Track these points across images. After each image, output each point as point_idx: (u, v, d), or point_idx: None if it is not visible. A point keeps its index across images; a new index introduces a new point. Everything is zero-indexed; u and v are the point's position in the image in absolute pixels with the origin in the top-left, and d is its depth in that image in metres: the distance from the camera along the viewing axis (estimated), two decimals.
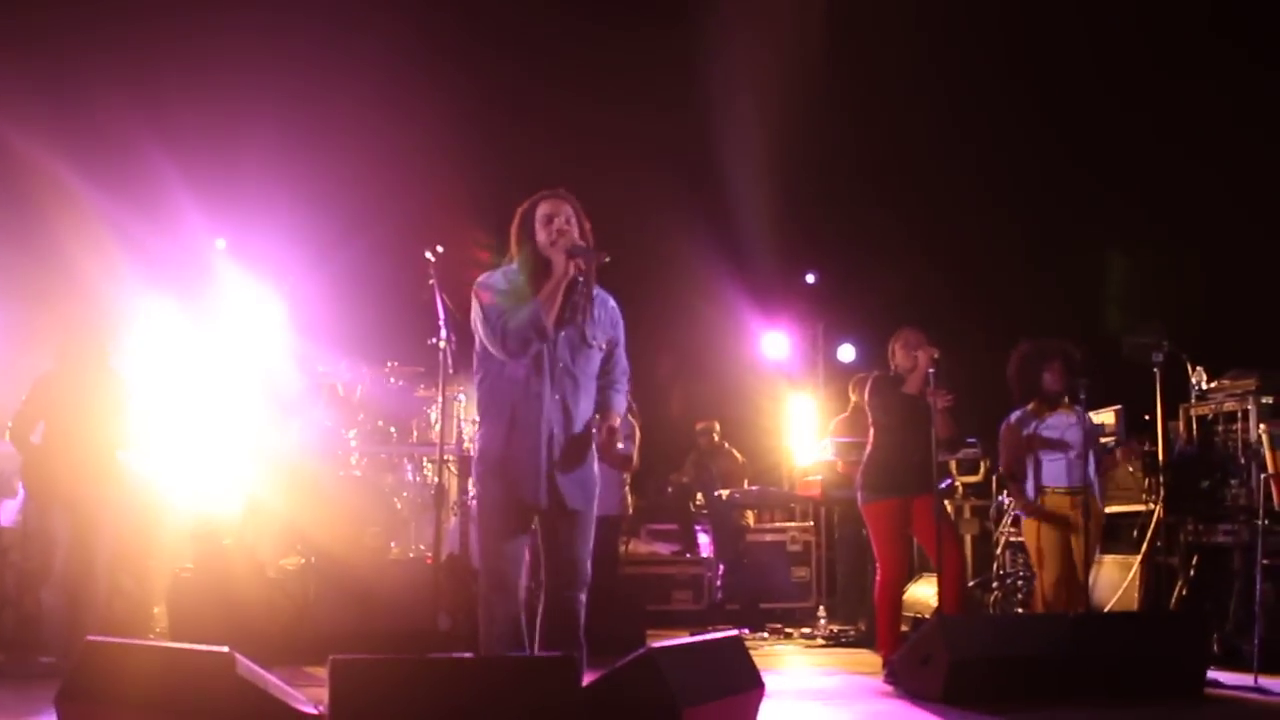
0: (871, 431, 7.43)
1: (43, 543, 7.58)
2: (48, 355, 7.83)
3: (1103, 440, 8.46)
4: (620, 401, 5.29)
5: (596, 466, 5.19)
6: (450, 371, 7.15)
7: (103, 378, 7.70)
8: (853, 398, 10.08)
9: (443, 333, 7.07)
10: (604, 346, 5.17)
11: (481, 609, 5.01)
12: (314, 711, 4.53)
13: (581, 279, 5.01)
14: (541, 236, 5.02)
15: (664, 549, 11.87)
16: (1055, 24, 11.13)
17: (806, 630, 9.75)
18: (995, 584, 9.03)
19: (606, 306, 5.20)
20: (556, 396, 5.00)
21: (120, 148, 9.81)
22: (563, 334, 5.02)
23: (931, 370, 7.00)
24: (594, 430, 5.12)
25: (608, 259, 4.99)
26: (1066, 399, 7.35)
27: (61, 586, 7.47)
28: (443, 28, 11.10)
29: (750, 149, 11.85)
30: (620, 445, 5.23)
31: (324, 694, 4.20)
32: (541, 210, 5.06)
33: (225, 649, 4.33)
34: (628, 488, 9.06)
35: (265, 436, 9.30)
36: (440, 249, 7.01)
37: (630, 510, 9.21)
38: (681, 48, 11.31)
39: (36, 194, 9.67)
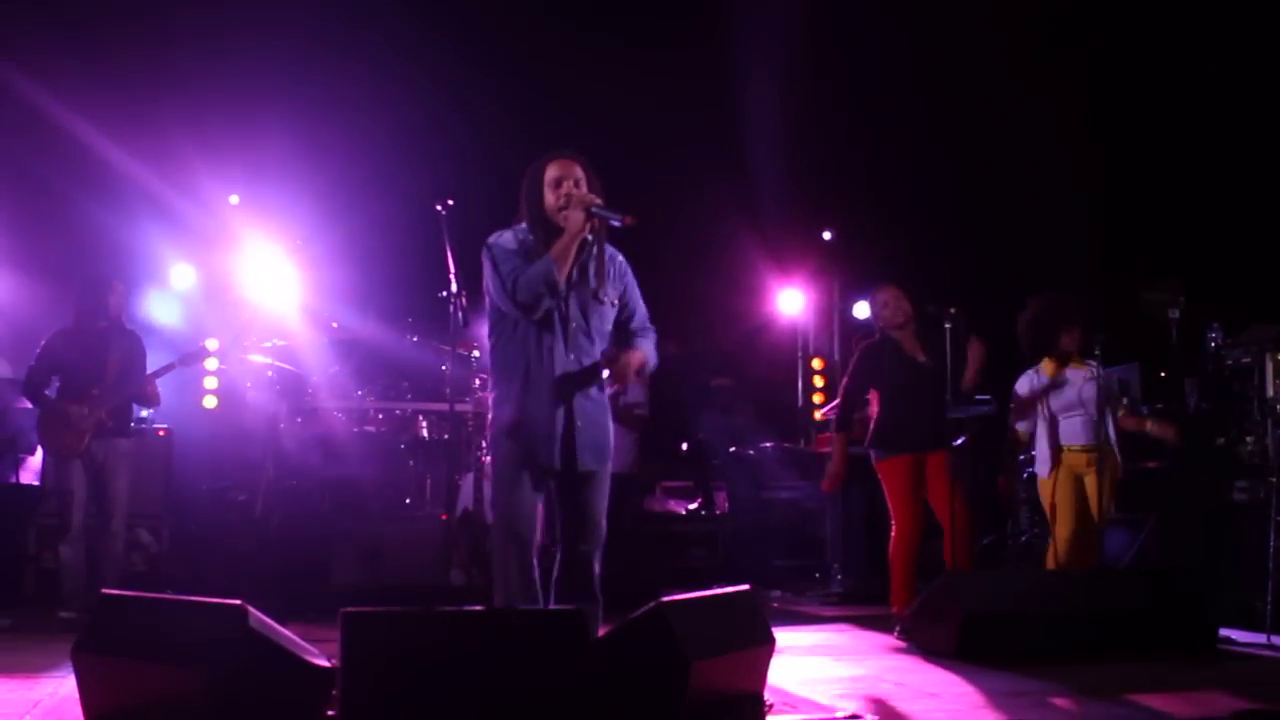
0: (872, 395, 7.44)
1: (60, 498, 7.65)
2: (67, 313, 7.89)
3: (1124, 400, 8.44)
4: (646, 345, 5.27)
5: (612, 424, 5.23)
6: (463, 325, 7.17)
7: (116, 333, 7.77)
8: None
9: (453, 286, 7.08)
10: (615, 302, 5.19)
11: (495, 562, 5.06)
12: (327, 664, 4.56)
13: (592, 237, 5.01)
14: (550, 199, 5.03)
15: (679, 506, 11.89)
16: None
17: (820, 587, 9.77)
18: (1009, 543, 9.03)
19: (615, 262, 5.22)
20: (571, 355, 5.02)
21: (137, 103, 9.80)
22: (574, 293, 5.02)
23: (949, 325, 6.98)
24: (607, 384, 5.14)
25: (631, 222, 4.96)
26: (1079, 356, 7.32)
27: (79, 541, 7.55)
28: None
29: (769, 105, 11.77)
30: (629, 383, 5.23)
31: (337, 648, 4.23)
32: (550, 173, 5.06)
33: (238, 602, 4.35)
34: (638, 446, 9.05)
35: (281, 392, 9.33)
36: (450, 202, 7.01)
37: (638, 468, 9.18)
38: (701, 7, 11.23)
39: (56, 153, 9.68)
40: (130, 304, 8.14)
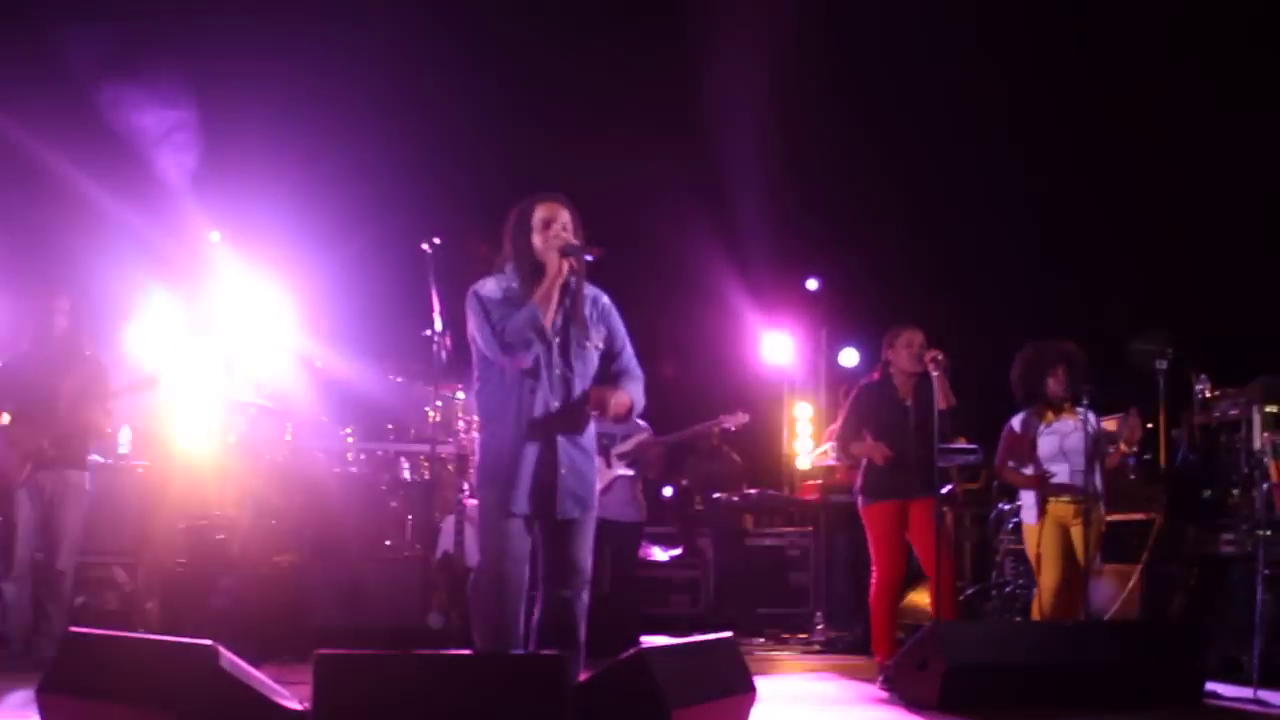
0: (867, 436, 7.36)
1: (5, 531, 7.29)
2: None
3: (1109, 448, 8.41)
4: (634, 389, 5.17)
5: (597, 469, 5.19)
6: (445, 365, 7.11)
7: (74, 363, 7.45)
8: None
9: (438, 324, 7.02)
10: (601, 345, 5.14)
11: (478, 607, 4.99)
12: (298, 707, 4.48)
13: (574, 279, 4.98)
14: (538, 241, 4.99)
15: (662, 551, 11.81)
16: (1059, 26, 11.06)
17: (803, 636, 9.70)
18: (994, 592, 8.97)
19: (598, 304, 5.17)
20: (556, 402, 4.98)
21: (115, 138, 9.75)
22: (557, 339, 4.99)
23: (936, 373, 6.94)
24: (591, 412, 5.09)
25: (601, 254, 4.95)
26: (1069, 403, 7.29)
27: (24, 578, 7.27)
28: (446, 25, 11.06)
29: (752, 154, 11.80)
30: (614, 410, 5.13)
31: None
32: (538, 215, 5.01)
33: (208, 642, 4.27)
34: (641, 492, 8.94)
35: (261, 431, 9.25)
36: (437, 241, 6.97)
37: (644, 514, 9.04)
38: (683, 52, 11.27)
39: (31, 183, 9.62)
40: (88, 323, 7.77)
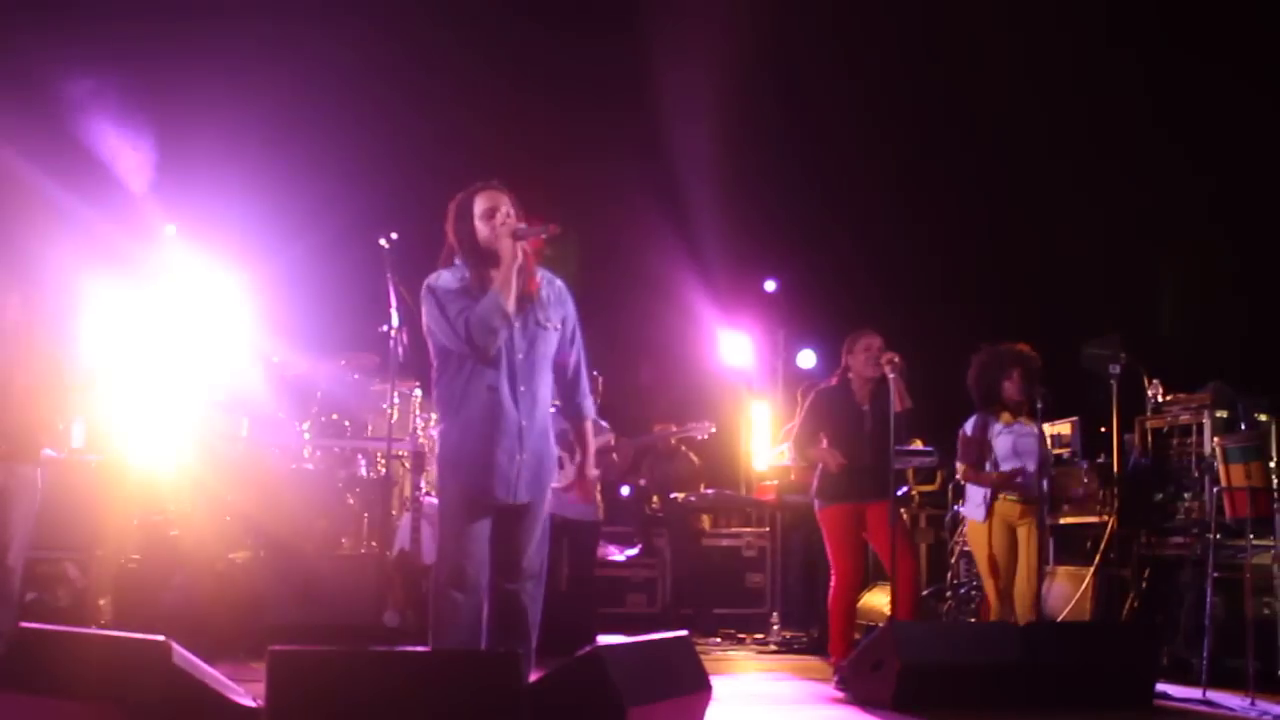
0: (824, 440, 7.39)
1: None
2: None
3: (1056, 452, 8.49)
4: (589, 406, 5.33)
5: (555, 456, 5.21)
6: (402, 361, 7.06)
7: (27, 357, 7.32)
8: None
9: (394, 319, 6.96)
10: (559, 326, 5.15)
11: (436, 605, 4.96)
12: (251, 704, 4.45)
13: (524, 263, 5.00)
14: (484, 231, 4.99)
15: (619, 551, 11.80)
16: (1004, 34, 11.14)
17: (759, 636, 9.72)
18: (949, 593, 9.03)
19: (554, 286, 5.19)
20: (523, 387, 4.98)
21: (68, 129, 9.66)
22: (516, 323, 4.98)
23: (893, 376, 6.97)
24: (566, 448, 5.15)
25: (556, 230, 4.96)
26: (1025, 406, 7.34)
27: None
28: (403, 21, 11.01)
29: (709, 155, 11.83)
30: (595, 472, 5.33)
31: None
32: (480, 205, 5.02)
33: (161, 638, 4.24)
34: (599, 492, 8.95)
35: (217, 427, 9.18)
36: (394, 236, 6.93)
37: (602, 514, 9.07)
38: (638, 53, 11.27)
39: None
40: (41, 317, 7.65)
